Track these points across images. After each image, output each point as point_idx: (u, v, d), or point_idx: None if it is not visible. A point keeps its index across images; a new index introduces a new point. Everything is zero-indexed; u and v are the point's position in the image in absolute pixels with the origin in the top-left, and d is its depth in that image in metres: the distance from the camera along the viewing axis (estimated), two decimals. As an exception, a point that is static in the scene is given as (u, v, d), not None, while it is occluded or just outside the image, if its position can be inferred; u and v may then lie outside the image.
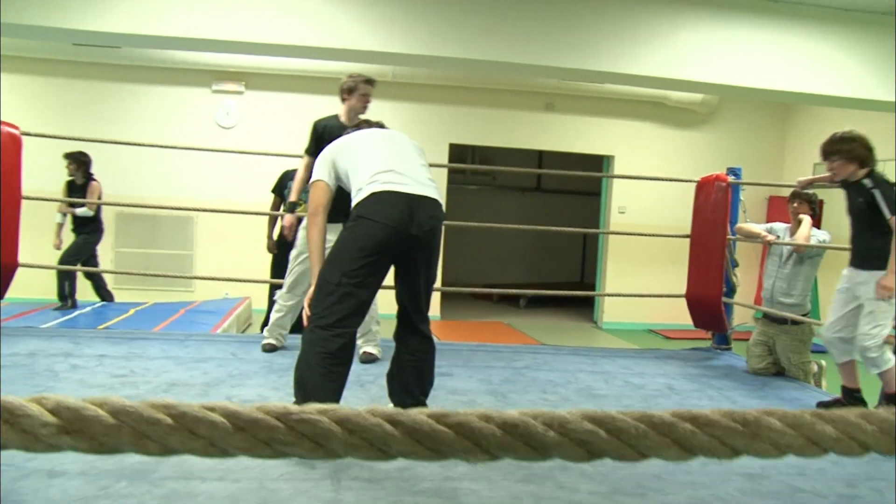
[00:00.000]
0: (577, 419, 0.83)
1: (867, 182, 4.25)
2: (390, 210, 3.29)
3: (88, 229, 8.09)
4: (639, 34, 7.07)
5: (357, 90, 5.09)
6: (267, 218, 7.14)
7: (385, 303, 4.50)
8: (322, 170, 3.59)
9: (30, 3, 6.56)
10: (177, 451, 0.77)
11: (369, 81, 5.14)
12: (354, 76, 5.14)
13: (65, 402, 0.74)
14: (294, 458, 0.79)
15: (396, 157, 3.52)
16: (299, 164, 5.32)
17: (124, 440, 0.75)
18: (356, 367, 3.43)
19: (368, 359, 5.00)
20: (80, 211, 7.84)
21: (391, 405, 3.76)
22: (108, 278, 9.57)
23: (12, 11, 6.59)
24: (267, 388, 4.29)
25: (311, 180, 3.62)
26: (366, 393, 4.27)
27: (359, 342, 5.15)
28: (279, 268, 6.69)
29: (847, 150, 4.28)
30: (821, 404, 4.42)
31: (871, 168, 4.31)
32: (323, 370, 3.20)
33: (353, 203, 3.39)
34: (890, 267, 4.12)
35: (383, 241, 3.27)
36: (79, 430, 0.74)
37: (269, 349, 5.23)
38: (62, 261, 7.76)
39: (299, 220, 5.29)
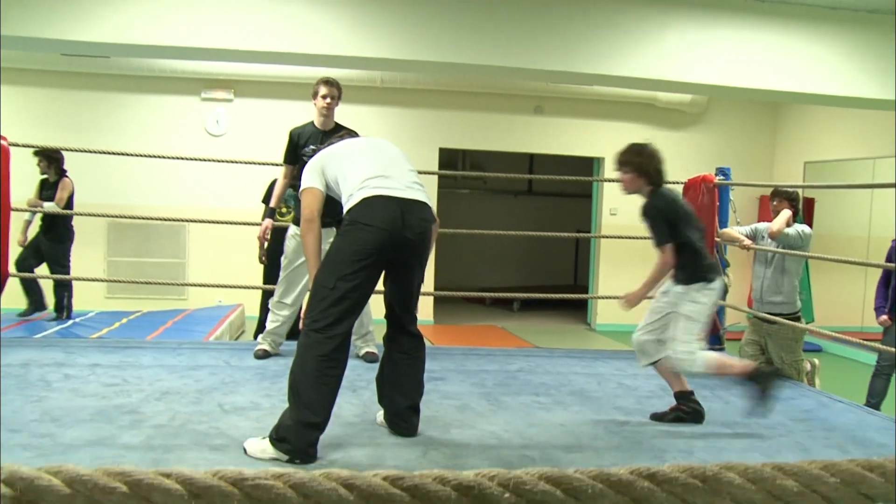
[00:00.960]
0: (534, 480, 0.82)
1: (645, 206, 4.16)
2: (383, 214, 3.34)
3: (59, 235, 7.78)
4: (626, 36, 7.09)
5: (318, 93, 5.20)
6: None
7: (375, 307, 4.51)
8: (312, 177, 3.63)
9: (17, 14, 6.55)
10: None
11: (327, 81, 5.21)
12: (318, 80, 5.25)
13: (19, 472, 0.74)
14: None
15: (385, 163, 3.58)
16: (279, 173, 5.36)
17: None
18: (349, 372, 3.43)
19: (373, 358, 5.04)
20: (47, 205, 7.54)
21: (381, 412, 3.78)
22: (101, 287, 9.57)
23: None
24: (259, 394, 4.29)
25: (303, 188, 3.64)
26: (358, 398, 4.26)
27: (358, 343, 5.19)
28: (272, 275, 6.70)
29: (637, 164, 4.18)
30: (654, 416, 4.30)
31: (657, 187, 4.18)
32: (317, 373, 3.23)
33: (346, 209, 3.43)
34: (644, 284, 4.21)
35: (378, 244, 3.32)
36: (33, 501, 0.74)
37: (262, 355, 5.23)
38: (52, 271, 7.67)
39: (282, 228, 5.31)
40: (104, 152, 7.01)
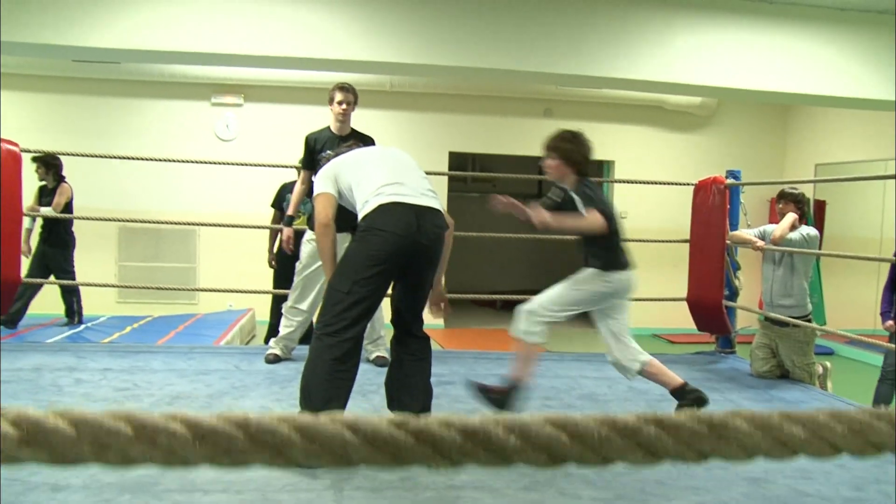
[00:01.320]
0: (539, 423, 0.82)
1: (573, 191, 4.10)
2: (399, 220, 3.41)
3: (60, 240, 7.75)
4: (635, 38, 7.08)
5: (333, 98, 5.25)
6: (268, 232, 7.17)
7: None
8: (325, 183, 3.66)
9: (28, 20, 6.59)
10: (137, 462, 0.77)
11: (342, 87, 5.28)
12: (333, 86, 5.31)
13: (25, 413, 0.74)
14: (295, 468, 0.79)
15: (398, 170, 3.63)
16: (298, 178, 5.37)
17: (84, 451, 0.75)
18: (359, 376, 3.44)
19: (383, 363, 5.02)
20: (44, 210, 7.46)
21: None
22: (112, 292, 9.61)
23: (11, 29, 6.61)
24: (270, 399, 4.30)
25: (316, 193, 3.66)
26: (369, 402, 4.27)
27: (369, 347, 5.20)
28: (282, 279, 6.72)
29: (566, 151, 4.12)
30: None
31: (583, 177, 4.13)
32: (329, 376, 3.29)
33: (361, 215, 3.48)
34: (559, 218, 4.05)
35: (394, 250, 3.39)
36: (39, 442, 0.74)
37: (273, 360, 5.23)
38: (58, 277, 7.65)
39: (300, 233, 5.34)
40: (115, 157, 7.05)
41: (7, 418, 0.73)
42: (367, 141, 5.24)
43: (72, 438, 0.74)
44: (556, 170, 4.13)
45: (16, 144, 5.60)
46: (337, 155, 3.91)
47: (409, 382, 3.66)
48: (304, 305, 5.19)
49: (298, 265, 5.26)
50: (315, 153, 5.26)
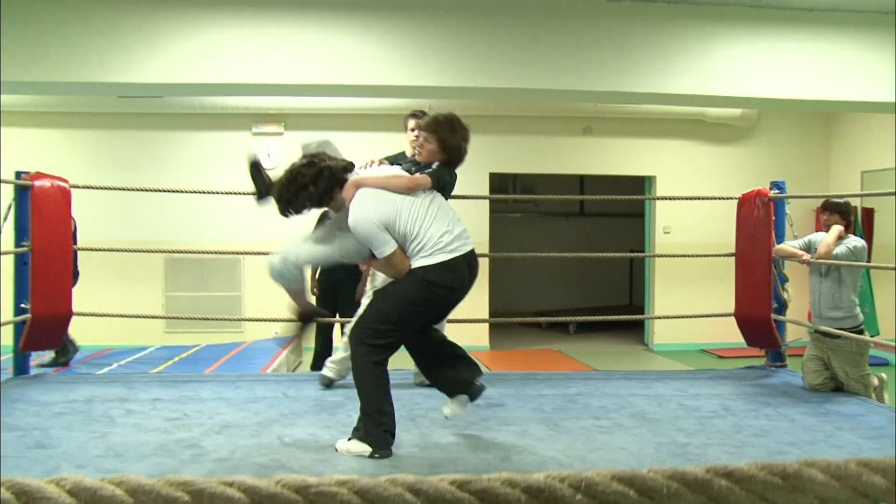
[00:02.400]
0: (606, 480, 0.80)
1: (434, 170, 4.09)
2: (460, 276, 3.80)
3: None
4: (673, 52, 7.04)
5: (407, 125, 5.37)
6: None
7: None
8: (385, 239, 3.73)
9: (73, 60, 6.75)
10: None
11: (414, 114, 5.35)
12: (407, 113, 5.47)
13: (83, 483, 0.74)
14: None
15: (447, 218, 3.87)
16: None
17: None
18: (407, 400, 3.47)
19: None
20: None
21: (448, 404, 4.04)
22: (160, 322, 9.72)
23: (57, 70, 6.78)
24: (318, 426, 4.30)
25: (385, 254, 3.73)
26: (417, 427, 4.26)
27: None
28: (324, 305, 6.77)
29: (444, 139, 4.17)
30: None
31: (449, 161, 4.20)
32: (374, 375, 3.77)
33: (421, 263, 3.73)
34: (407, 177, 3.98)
35: (453, 302, 3.91)
36: None
37: (327, 383, 5.25)
38: None
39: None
40: (160, 190, 7.16)
41: (65, 488, 0.73)
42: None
43: None
44: (429, 153, 4.24)
45: (65, 180, 5.71)
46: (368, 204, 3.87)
47: (446, 356, 4.04)
48: None
49: (366, 297, 5.22)
50: None
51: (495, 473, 0.80)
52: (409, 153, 5.29)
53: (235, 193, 8.87)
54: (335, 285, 6.86)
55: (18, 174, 5.60)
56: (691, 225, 10.51)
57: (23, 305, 5.53)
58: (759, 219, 5.86)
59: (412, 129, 5.26)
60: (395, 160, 5.27)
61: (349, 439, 3.80)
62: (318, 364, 7.07)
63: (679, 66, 7.05)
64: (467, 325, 10.41)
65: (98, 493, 0.73)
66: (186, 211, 9.95)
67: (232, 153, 10.32)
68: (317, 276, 7.05)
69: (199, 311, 9.64)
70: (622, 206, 13.14)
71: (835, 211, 5.45)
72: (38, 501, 0.70)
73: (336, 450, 3.79)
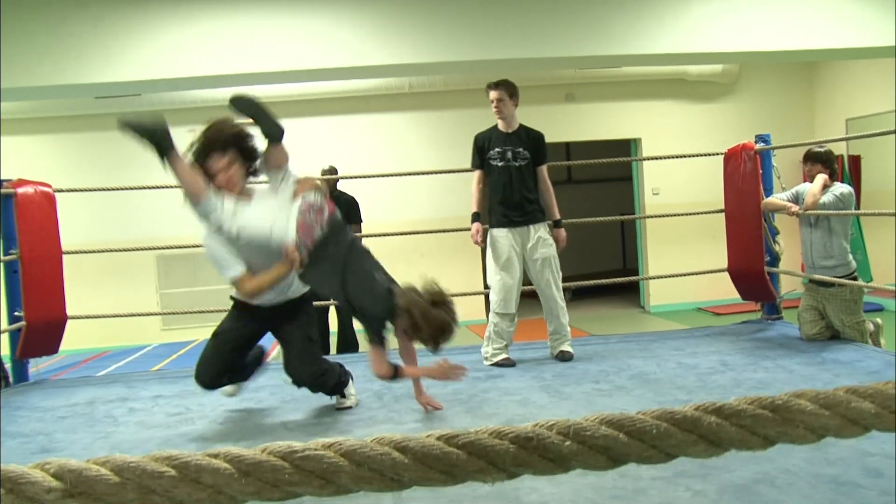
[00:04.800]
0: (594, 425, 0.80)
1: None
2: None
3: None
4: (651, 12, 7.02)
5: (488, 98, 5.35)
6: None
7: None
8: None
9: (47, 63, 6.69)
10: (185, 503, 0.76)
11: (489, 85, 5.37)
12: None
13: (67, 465, 0.74)
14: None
15: None
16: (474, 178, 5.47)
17: (130, 497, 0.75)
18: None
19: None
20: None
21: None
22: (156, 320, 9.71)
23: (31, 74, 6.72)
24: (321, 411, 4.30)
25: None
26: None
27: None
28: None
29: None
30: None
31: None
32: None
33: None
34: None
35: None
36: (84, 492, 0.74)
37: (507, 363, 5.28)
38: None
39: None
40: (144, 188, 7.12)
41: (49, 472, 0.73)
42: (535, 136, 5.37)
43: (116, 485, 0.74)
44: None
45: (49, 186, 5.69)
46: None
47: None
48: (512, 307, 5.37)
49: (491, 265, 5.35)
50: (484, 152, 5.37)
51: (483, 426, 0.80)
52: (499, 126, 5.38)
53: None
54: None
55: (0, 182, 5.57)
56: (680, 185, 10.51)
57: (16, 313, 5.52)
58: (746, 173, 5.87)
59: (491, 101, 5.32)
60: (488, 136, 5.35)
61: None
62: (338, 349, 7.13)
63: (658, 26, 7.02)
64: (462, 298, 10.42)
65: (83, 473, 0.73)
66: (174, 207, 9.85)
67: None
68: None
69: (194, 306, 9.61)
70: (610, 171, 13.10)
71: (816, 160, 5.45)
72: (22, 487, 0.70)
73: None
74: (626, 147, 11.31)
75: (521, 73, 10.07)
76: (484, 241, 5.41)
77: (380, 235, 7.16)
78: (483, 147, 5.39)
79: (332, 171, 7.16)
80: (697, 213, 7.19)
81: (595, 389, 4.43)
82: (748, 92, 11.11)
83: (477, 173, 5.45)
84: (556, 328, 5.42)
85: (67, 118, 10.04)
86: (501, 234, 5.32)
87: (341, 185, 7.43)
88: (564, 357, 5.27)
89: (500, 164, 5.31)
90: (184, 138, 3.86)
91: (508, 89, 5.31)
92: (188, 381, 5.35)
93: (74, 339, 7.36)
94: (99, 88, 7.35)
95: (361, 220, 7.10)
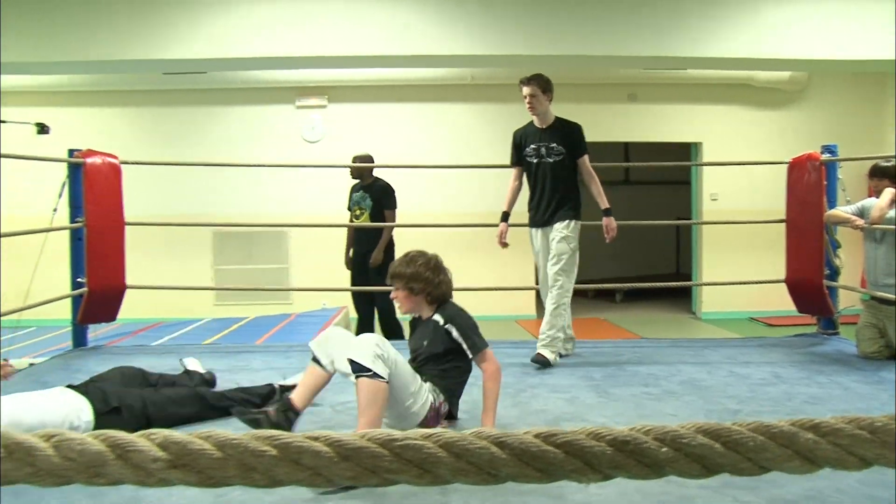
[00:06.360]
0: (691, 433, 0.80)
1: None
2: None
3: None
4: (721, 14, 6.92)
5: (521, 93, 5.24)
6: (345, 233, 7.32)
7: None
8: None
9: (119, 39, 6.82)
10: (283, 483, 0.78)
11: (521, 81, 5.25)
12: None
13: (172, 437, 0.76)
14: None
15: None
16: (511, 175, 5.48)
17: (231, 473, 0.77)
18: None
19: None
20: None
21: None
22: (210, 295, 9.86)
23: (104, 48, 6.86)
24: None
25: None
26: (467, 394, 4.28)
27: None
28: (357, 279, 7.14)
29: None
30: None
31: None
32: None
33: None
34: None
35: None
36: (187, 465, 0.76)
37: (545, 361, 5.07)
38: None
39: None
40: (206, 164, 7.25)
41: (155, 442, 0.75)
42: (570, 129, 5.27)
43: (218, 460, 0.76)
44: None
45: (115, 157, 5.80)
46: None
47: None
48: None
49: (563, 258, 5.20)
50: (520, 149, 5.33)
51: (580, 426, 0.81)
52: (535, 122, 5.30)
53: (280, 166, 8.98)
54: (364, 257, 6.95)
55: (71, 152, 5.70)
56: (739, 191, 10.35)
57: (79, 280, 5.65)
58: (810, 183, 5.76)
59: (524, 97, 5.21)
60: (524, 133, 5.31)
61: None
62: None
63: (727, 29, 6.92)
64: (514, 293, 10.43)
65: (187, 446, 0.76)
66: (233, 184, 10.04)
67: (277, 126, 10.39)
68: (350, 253, 7.18)
69: (247, 284, 9.76)
70: (668, 174, 12.98)
71: (884, 175, 5.32)
72: (130, 454, 0.72)
73: None
74: (686, 150, 11.17)
75: (584, 70, 10.03)
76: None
77: (432, 226, 7.18)
78: (519, 144, 5.35)
79: (367, 158, 7.15)
80: (757, 222, 7.09)
81: (644, 393, 4.40)
82: (816, 100, 10.89)
83: (514, 170, 5.42)
84: (544, 325, 5.16)
85: (136, 92, 10.23)
86: (532, 234, 5.36)
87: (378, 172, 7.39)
88: (536, 359, 5.00)
89: (534, 160, 5.27)
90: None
91: (542, 84, 5.19)
92: (240, 355, 5.45)
93: (130, 308, 7.52)
94: (167, 65, 7.48)
95: (395, 207, 7.03)
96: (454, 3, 6.84)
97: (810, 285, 5.83)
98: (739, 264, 9.96)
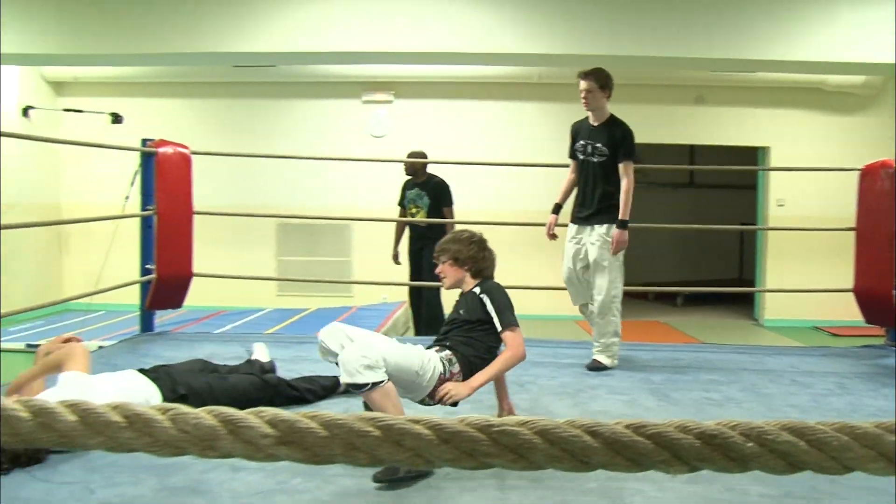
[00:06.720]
0: (776, 430, 0.81)
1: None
2: None
3: None
4: (793, 17, 6.80)
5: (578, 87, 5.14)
6: (394, 228, 7.36)
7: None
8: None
9: (192, 32, 6.97)
10: (384, 462, 0.81)
11: (579, 74, 5.14)
12: None
13: (280, 415, 0.80)
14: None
15: None
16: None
17: (336, 451, 0.80)
18: (516, 368, 3.49)
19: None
20: None
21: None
22: (272, 285, 10.01)
23: (178, 41, 7.02)
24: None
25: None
26: (527, 393, 4.31)
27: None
28: (413, 273, 7.20)
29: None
30: None
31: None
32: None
33: None
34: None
35: None
36: (294, 442, 0.80)
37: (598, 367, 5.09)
38: None
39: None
40: (272, 156, 7.36)
41: (264, 419, 0.79)
42: (618, 132, 5.14)
43: (324, 438, 0.80)
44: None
45: (186, 147, 5.94)
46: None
47: None
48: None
49: (605, 264, 5.13)
50: (574, 141, 5.31)
51: (668, 419, 0.83)
52: (589, 118, 5.24)
53: (345, 160, 9.08)
54: (420, 252, 6.99)
55: (144, 142, 5.85)
56: (807, 198, 10.14)
57: (148, 266, 5.80)
58: (883, 191, 5.64)
59: (580, 91, 5.13)
60: (579, 127, 5.29)
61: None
62: (420, 328, 7.24)
63: (800, 31, 6.80)
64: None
65: (295, 424, 0.80)
66: (298, 177, 10.17)
67: (343, 121, 10.50)
68: (398, 247, 7.25)
69: (309, 276, 9.88)
70: (733, 178, 12.79)
71: None
72: (241, 430, 0.76)
73: None
74: (753, 154, 10.99)
75: (651, 71, 9.95)
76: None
77: (494, 224, 7.19)
78: (574, 137, 5.30)
79: (421, 154, 7.17)
80: (824, 229, 6.96)
81: (705, 398, 4.36)
82: (890, 106, 10.62)
83: (571, 163, 5.38)
84: (595, 334, 5.18)
85: (206, 84, 10.43)
86: (570, 228, 5.30)
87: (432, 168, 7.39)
88: (592, 366, 5.02)
89: (582, 157, 5.22)
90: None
91: (600, 80, 5.07)
92: (301, 346, 5.54)
93: (194, 295, 7.69)
94: (238, 57, 7.62)
95: (452, 203, 7.05)
96: (526, 2, 6.84)
97: (879, 295, 5.72)
98: (805, 272, 9.78)
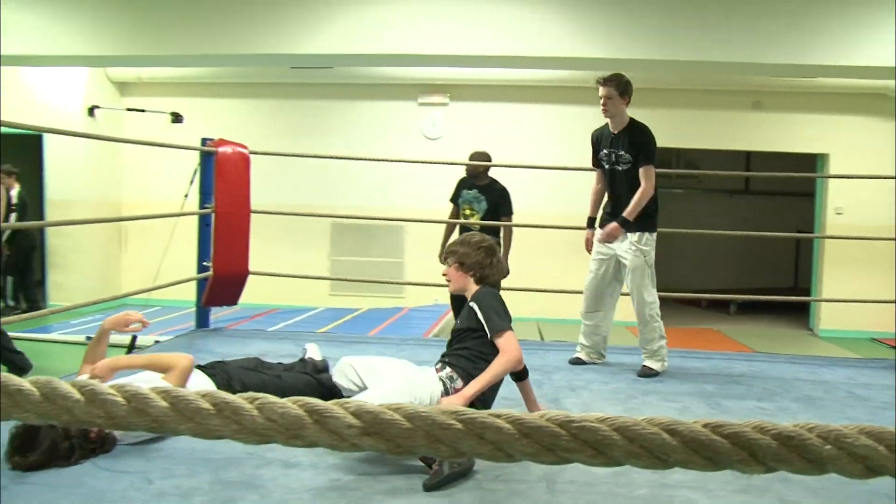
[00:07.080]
0: (854, 433, 0.82)
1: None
2: None
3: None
4: (854, 21, 6.68)
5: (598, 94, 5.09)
6: (444, 227, 7.25)
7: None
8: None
9: (252, 34, 7.09)
10: (465, 454, 0.84)
11: (598, 81, 5.07)
12: None
13: (364, 406, 0.83)
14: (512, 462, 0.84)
15: None
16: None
17: (418, 443, 0.83)
18: (568, 372, 3.50)
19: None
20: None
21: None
22: (325, 284, 10.09)
23: (238, 42, 7.14)
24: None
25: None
26: (578, 397, 4.31)
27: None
28: None
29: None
30: None
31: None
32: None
33: None
34: None
35: None
36: (378, 433, 0.83)
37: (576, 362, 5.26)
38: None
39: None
40: (329, 157, 7.44)
41: (349, 410, 0.82)
42: (639, 137, 5.05)
43: (408, 430, 0.82)
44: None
45: (245, 147, 6.04)
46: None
47: None
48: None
49: (639, 273, 5.15)
50: (597, 152, 5.27)
51: (745, 419, 0.84)
52: (609, 125, 5.17)
53: (401, 161, 9.14)
54: None
55: (204, 141, 5.96)
56: (867, 206, 9.94)
57: (205, 263, 5.91)
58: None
59: (599, 97, 5.04)
60: (600, 135, 5.24)
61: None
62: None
63: (861, 36, 6.68)
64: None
65: (379, 416, 0.83)
66: (352, 178, 10.27)
67: (398, 122, 10.57)
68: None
69: (362, 276, 9.96)
70: (790, 185, 12.61)
71: None
72: (327, 420, 0.79)
73: None
74: (811, 161, 10.82)
75: (708, 76, 9.85)
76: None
77: (541, 227, 7.15)
78: (596, 146, 5.24)
79: (485, 156, 6.83)
80: (884, 239, 6.83)
81: (758, 407, 4.32)
82: (955, 114, 10.38)
83: (596, 173, 5.33)
84: (640, 341, 5.17)
85: (264, 85, 10.60)
86: (598, 234, 5.25)
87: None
88: (643, 373, 4.99)
89: (607, 166, 5.16)
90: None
91: (619, 86, 4.97)
92: (353, 345, 5.61)
93: (248, 293, 7.81)
94: (297, 59, 7.73)
95: (512, 213, 6.66)
96: (582, 5, 6.83)
97: (941, 307, 5.60)
98: (863, 282, 9.60)
